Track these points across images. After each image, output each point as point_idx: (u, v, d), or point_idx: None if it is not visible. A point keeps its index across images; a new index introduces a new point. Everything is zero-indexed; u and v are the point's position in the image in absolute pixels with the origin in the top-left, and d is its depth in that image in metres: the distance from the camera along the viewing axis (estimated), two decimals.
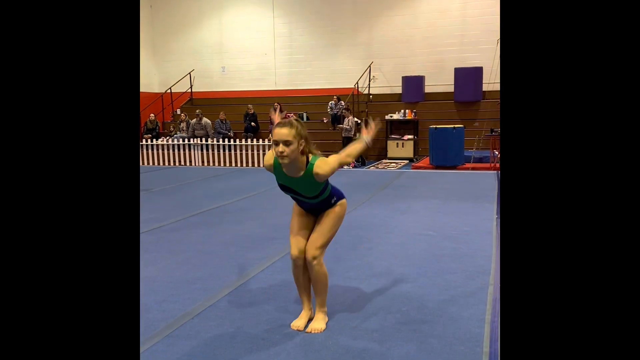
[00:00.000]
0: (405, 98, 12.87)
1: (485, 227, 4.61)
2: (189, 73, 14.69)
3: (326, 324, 2.52)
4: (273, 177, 2.47)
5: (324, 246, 2.42)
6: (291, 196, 2.47)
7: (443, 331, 2.49)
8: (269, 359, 2.24)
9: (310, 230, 2.43)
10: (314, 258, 2.39)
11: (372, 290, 3.07)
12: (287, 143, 2.18)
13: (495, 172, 8.80)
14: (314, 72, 13.97)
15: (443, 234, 4.37)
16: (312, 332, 2.46)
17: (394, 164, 11.26)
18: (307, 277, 2.50)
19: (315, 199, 2.40)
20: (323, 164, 2.30)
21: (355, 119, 11.69)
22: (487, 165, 9.66)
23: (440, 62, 12.98)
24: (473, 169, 9.46)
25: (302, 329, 2.49)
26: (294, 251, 2.43)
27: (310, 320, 2.55)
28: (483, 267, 3.46)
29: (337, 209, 2.45)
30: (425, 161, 10.63)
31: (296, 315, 2.69)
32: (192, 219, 5.23)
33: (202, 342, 2.41)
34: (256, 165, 11.29)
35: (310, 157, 2.33)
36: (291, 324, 2.53)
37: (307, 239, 2.43)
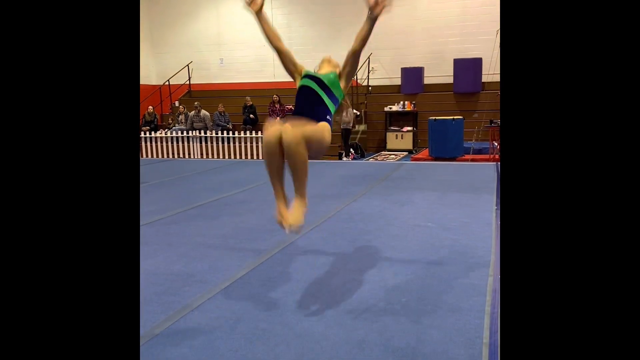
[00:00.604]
0: (405, 89, 12.84)
1: (484, 218, 4.60)
2: (187, 65, 14.63)
3: (303, 214, 2.22)
4: None
5: (306, 135, 2.16)
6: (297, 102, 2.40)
7: (442, 322, 2.49)
8: (268, 349, 2.25)
9: (303, 119, 2.23)
10: (296, 142, 2.08)
11: (371, 282, 3.07)
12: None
13: (495, 163, 8.79)
14: (313, 64, 13.89)
15: (442, 226, 4.37)
16: (291, 228, 2.19)
17: (393, 156, 11.25)
18: (279, 164, 2.25)
19: (326, 95, 2.38)
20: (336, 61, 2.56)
21: (355, 111, 11.66)
22: (487, 156, 9.66)
23: (439, 53, 12.93)
24: (472, 160, 9.45)
25: (283, 221, 2.23)
26: (266, 135, 2.16)
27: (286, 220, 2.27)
28: (483, 258, 3.46)
29: (323, 130, 2.29)
30: (425, 153, 10.62)
31: (297, 307, 2.69)
32: (191, 212, 5.23)
33: (202, 334, 2.42)
34: (255, 157, 11.27)
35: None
36: (274, 216, 2.28)
37: (284, 129, 2.19)
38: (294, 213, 2.23)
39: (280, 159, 2.21)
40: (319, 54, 12.57)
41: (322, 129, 2.20)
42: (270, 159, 2.20)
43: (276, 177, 2.26)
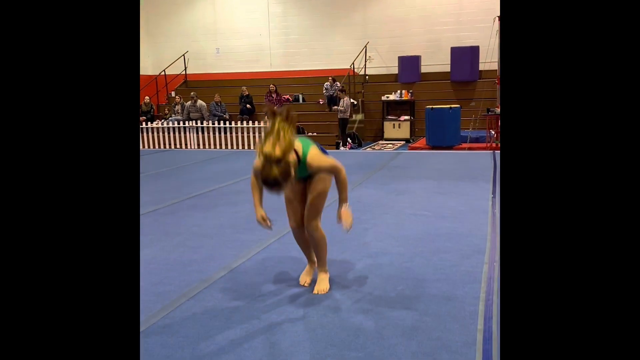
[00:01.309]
0: (402, 78, 12.79)
1: (481, 206, 4.61)
2: (183, 55, 14.54)
3: (329, 282, 2.74)
4: None
5: (318, 217, 2.60)
6: None
7: (438, 309, 2.50)
8: (265, 338, 2.26)
9: (303, 198, 2.57)
10: (313, 229, 2.59)
11: (367, 270, 3.08)
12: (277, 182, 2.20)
13: (492, 151, 8.80)
14: (310, 53, 13.84)
15: (439, 214, 4.38)
16: (319, 293, 2.67)
17: (390, 145, 11.25)
18: (306, 240, 2.72)
19: (305, 178, 2.55)
20: (317, 158, 2.40)
21: (351, 100, 11.63)
22: (484, 145, 9.65)
23: (436, 42, 12.87)
24: (469, 149, 9.45)
25: (308, 283, 2.76)
26: (292, 223, 2.66)
27: (314, 282, 2.77)
28: (478, 246, 3.47)
29: (320, 185, 2.54)
30: (422, 142, 10.61)
31: (293, 296, 2.71)
32: (188, 202, 5.23)
33: (198, 323, 2.43)
34: (252, 147, 11.25)
35: (299, 146, 2.37)
36: (299, 279, 2.81)
37: (302, 208, 2.59)
38: (319, 285, 2.69)
39: (304, 237, 2.69)
40: (315, 43, 12.47)
41: (323, 193, 2.53)
42: (297, 239, 2.75)
43: (304, 248, 2.79)
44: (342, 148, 10.81)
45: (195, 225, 4.25)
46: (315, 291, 2.68)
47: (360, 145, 11.28)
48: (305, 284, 2.77)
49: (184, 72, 14.70)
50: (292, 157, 2.20)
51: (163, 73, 13.97)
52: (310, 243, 2.67)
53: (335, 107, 11.54)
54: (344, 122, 11.26)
